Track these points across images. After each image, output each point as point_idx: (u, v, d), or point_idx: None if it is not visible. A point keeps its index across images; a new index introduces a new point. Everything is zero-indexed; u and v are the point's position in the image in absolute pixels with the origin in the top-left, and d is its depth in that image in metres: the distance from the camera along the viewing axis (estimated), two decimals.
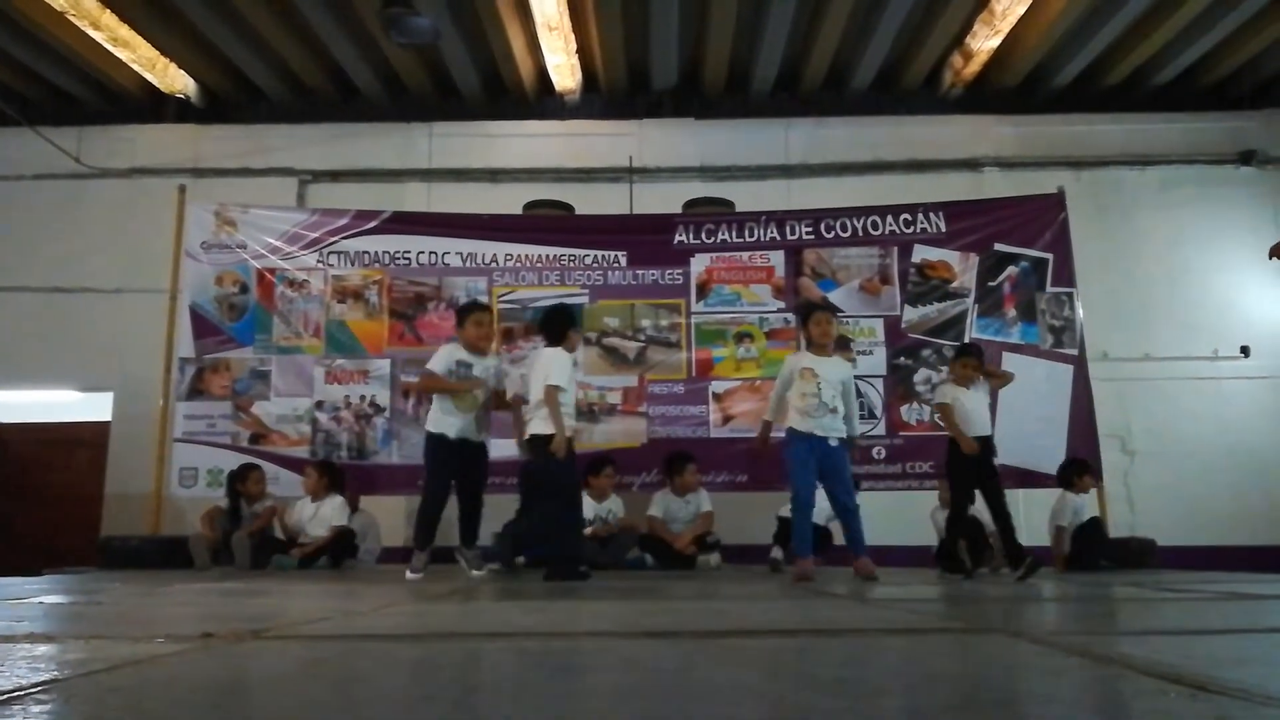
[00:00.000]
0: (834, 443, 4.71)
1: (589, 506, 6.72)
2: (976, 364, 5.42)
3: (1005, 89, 9.26)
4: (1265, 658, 1.80)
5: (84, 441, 8.71)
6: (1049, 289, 7.07)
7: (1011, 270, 7.09)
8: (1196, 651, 1.88)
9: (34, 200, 9.05)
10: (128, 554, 6.58)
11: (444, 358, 5.22)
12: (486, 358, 5.34)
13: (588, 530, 6.60)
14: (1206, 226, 8.97)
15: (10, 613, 2.76)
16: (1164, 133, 9.20)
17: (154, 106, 9.39)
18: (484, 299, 7.05)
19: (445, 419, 5.14)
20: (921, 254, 7.15)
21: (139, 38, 8.45)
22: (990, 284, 7.08)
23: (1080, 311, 7.03)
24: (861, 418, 6.89)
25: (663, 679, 1.49)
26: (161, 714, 1.23)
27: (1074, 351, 6.95)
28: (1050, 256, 7.12)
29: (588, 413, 7.10)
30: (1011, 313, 7.05)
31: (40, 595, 3.58)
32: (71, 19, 7.90)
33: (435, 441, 5.15)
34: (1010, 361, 6.71)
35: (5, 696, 1.28)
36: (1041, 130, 9.23)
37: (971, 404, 5.29)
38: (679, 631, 2.19)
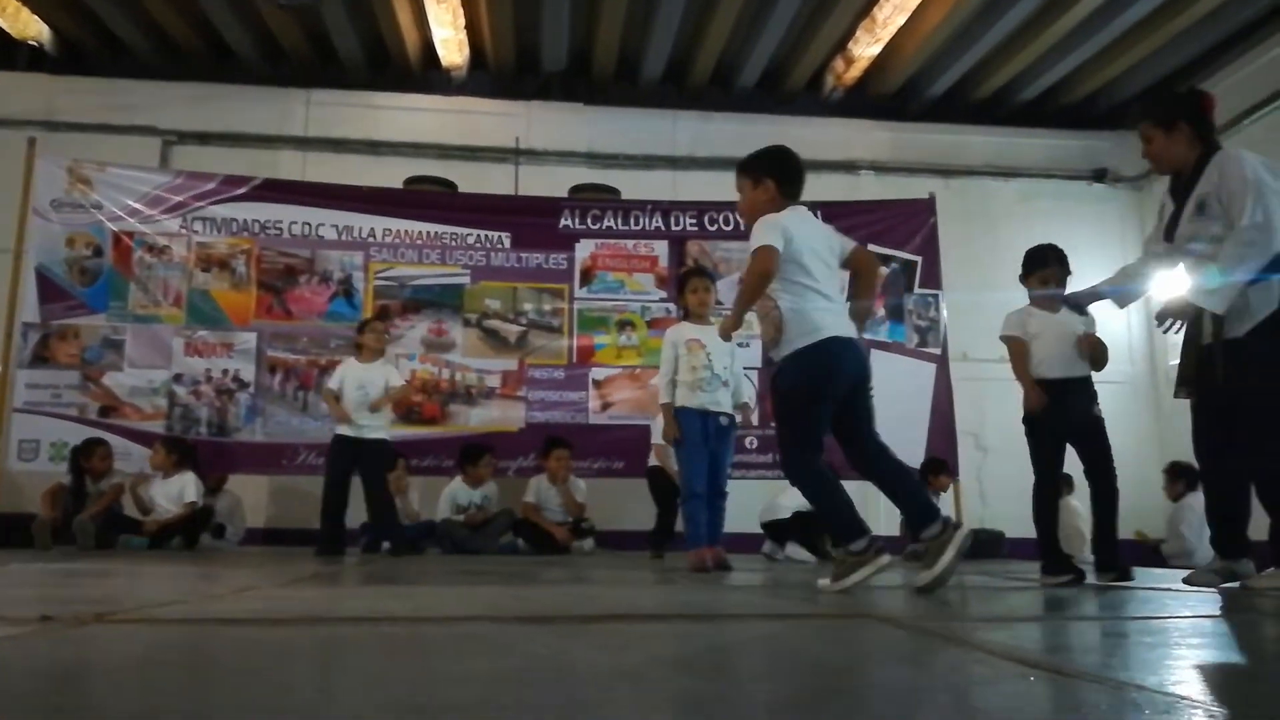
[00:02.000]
0: (725, 421, 4.51)
1: (463, 492, 6.64)
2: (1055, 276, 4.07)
3: (883, 96, 9.57)
4: (1107, 644, 1.92)
5: None
6: (916, 290, 7.36)
7: (883, 271, 7.34)
8: (1049, 638, 1.98)
9: None
10: None
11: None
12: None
13: (461, 515, 6.53)
14: (1062, 237, 9.21)
15: None
16: (1026, 147, 9.69)
17: (3, 52, 8.69)
18: (359, 275, 6.88)
19: None
20: None
21: None
22: None
23: (945, 313, 7.35)
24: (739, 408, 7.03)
25: (537, 664, 1.47)
26: None
27: (937, 351, 7.28)
28: (919, 259, 7.42)
29: (465, 395, 7.00)
30: (880, 312, 7.30)
31: None
32: None
33: None
34: (877, 359, 6.94)
35: None
36: (915, 138, 9.58)
37: (1052, 334, 3.94)
38: (554, 616, 2.17)
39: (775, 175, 3.41)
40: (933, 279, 7.39)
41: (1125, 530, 4.23)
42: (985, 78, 9.21)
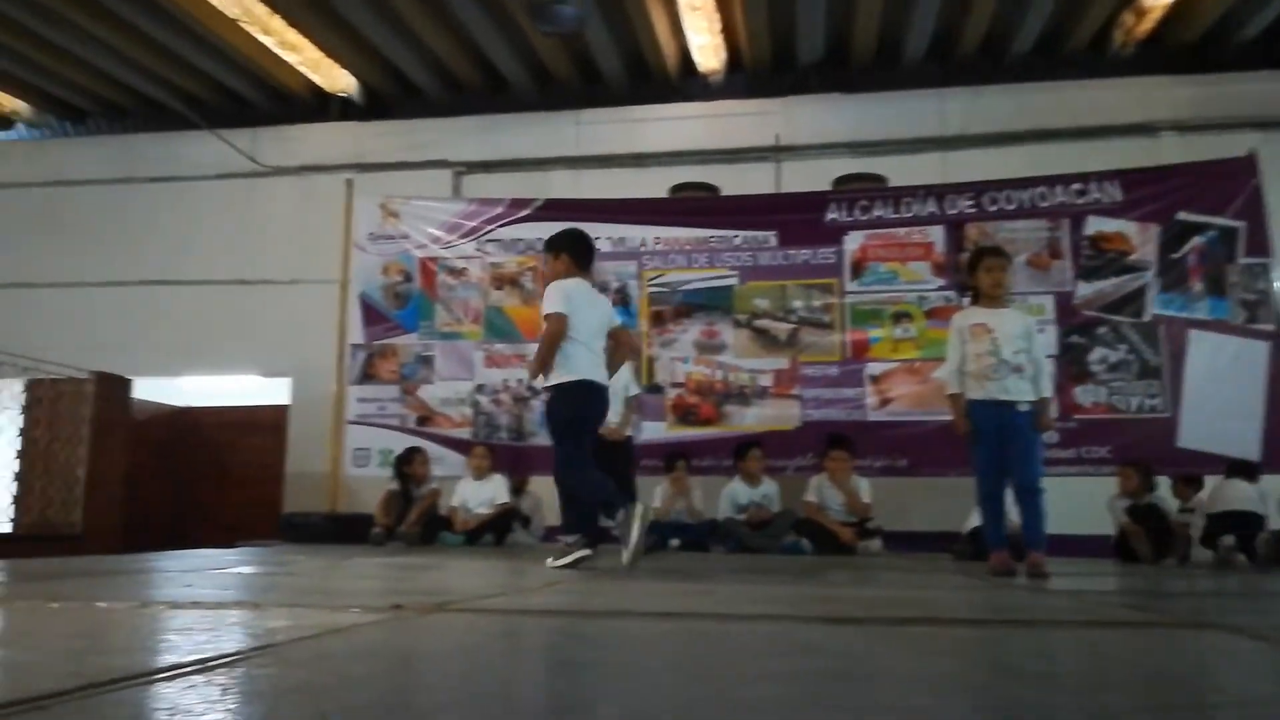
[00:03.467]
0: (1024, 407, 4.04)
1: (743, 491, 6.69)
2: None
3: (1182, 46, 8.57)
4: None
5: (266, 424, 9.30)
6: (1241, 260, 6.51)
7: (1197, 241, 6.58)
8: None
9: (216, 199, 9.70)
10: (308, 530, 6.99)
11: None
12: None
13: (742, 514, 6.59)
14: None
15: (214, 582, 2.97)
16: None
17: (320, 106, 9.89)
18: (634, 283, 7.20)
19: None
20: (1095, 225, 6.72)
21: (305, 40, 8.91)
22: (1173, 256, 6.58)
23: (1277, 284, 6.45)
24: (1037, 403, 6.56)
25: (849, 665, 1.44)
26: (367, 678, 1.28)
27: (1270, 327, 6.39)
28: (1241, 225, 6.56)
29: (739, 395, 7.07)
30: (1198, 286, 6.54)
31: (235, 567, 3.84)
32: (244, 25, 8.40)
33: None
34: (1197, 339, 6.24)
35: (229, 659, 1.36)
36: (1224, 89, 8.48)
37: None
38: (858, 618, 2.13)
39: (570, 251, 4.23)
40: (1260, 246, 6.50)
41: None
42: None
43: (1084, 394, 6.54)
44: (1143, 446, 6.22)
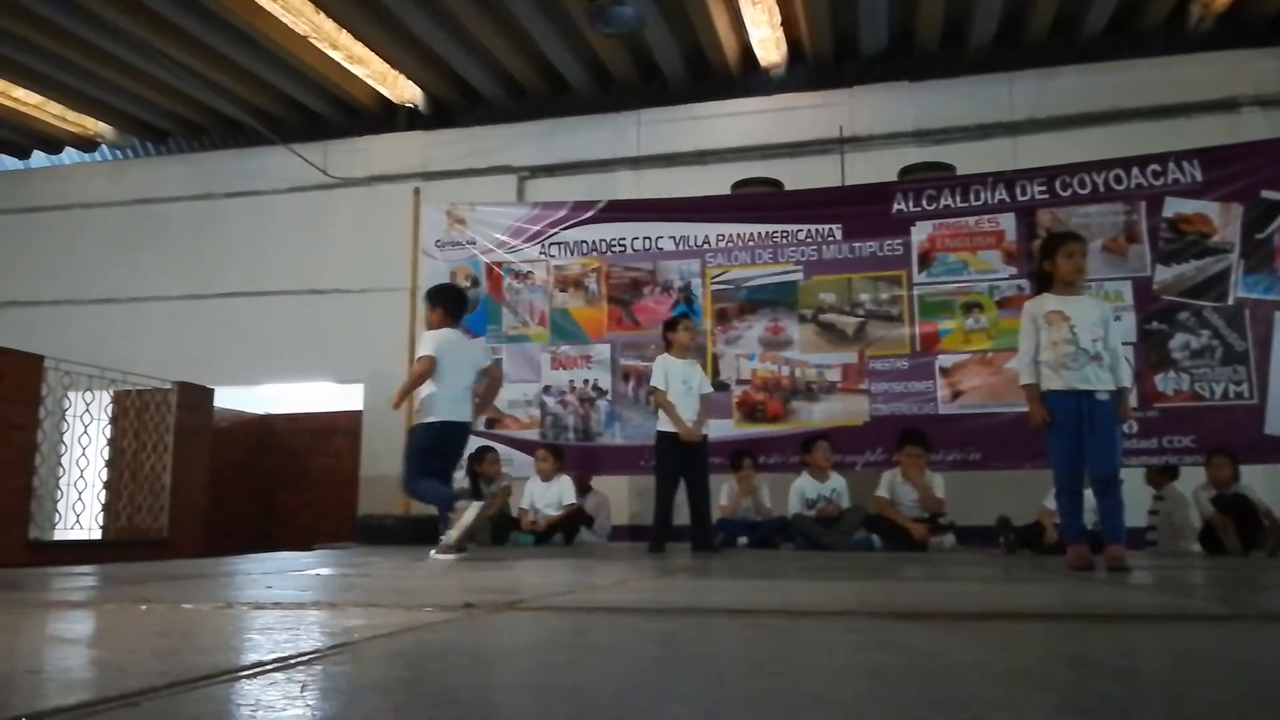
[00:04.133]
0: (1104, 396, 3.92)
1: (811, 486, 6.64)
2: None
3: (1265, 18, 8.23)
4: None
5: (340, 429, 9.54)
6: None
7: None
8: None
9: (288, 210, 9.98)
10: (382, 531, 7.15)
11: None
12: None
13: (812, 510, 6.53)
14: None
15: (294, 583, 3.06)
16: None
17: (386, 117, 10.10)
18: (697, 281, 7.19)
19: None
20: (1174, 207, 6.48)
21: (371, 54, 9.11)
22: (1258, 236, 6.31)
23: None
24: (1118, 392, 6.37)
25: (922, 661, 1.42)
26: (443, 676, 1.30)
27: None
28: None
29: (806, 391, 7.00)
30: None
31: (313, 569, 3.94)
32: (313, 41, 8.63)
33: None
34: None
35: (308, 657, 1.40)
36: None
37: None
38: (930, 613, 2.10)
39: (443, 305, 5.22)
40: None
41: None
42: None
43: (1165, 382, 6.31)
44: (1228, 435, 5.99)
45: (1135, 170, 6.60)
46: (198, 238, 10.16)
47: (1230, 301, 6.25)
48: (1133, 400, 6.24)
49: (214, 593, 2.64)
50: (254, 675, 1.24)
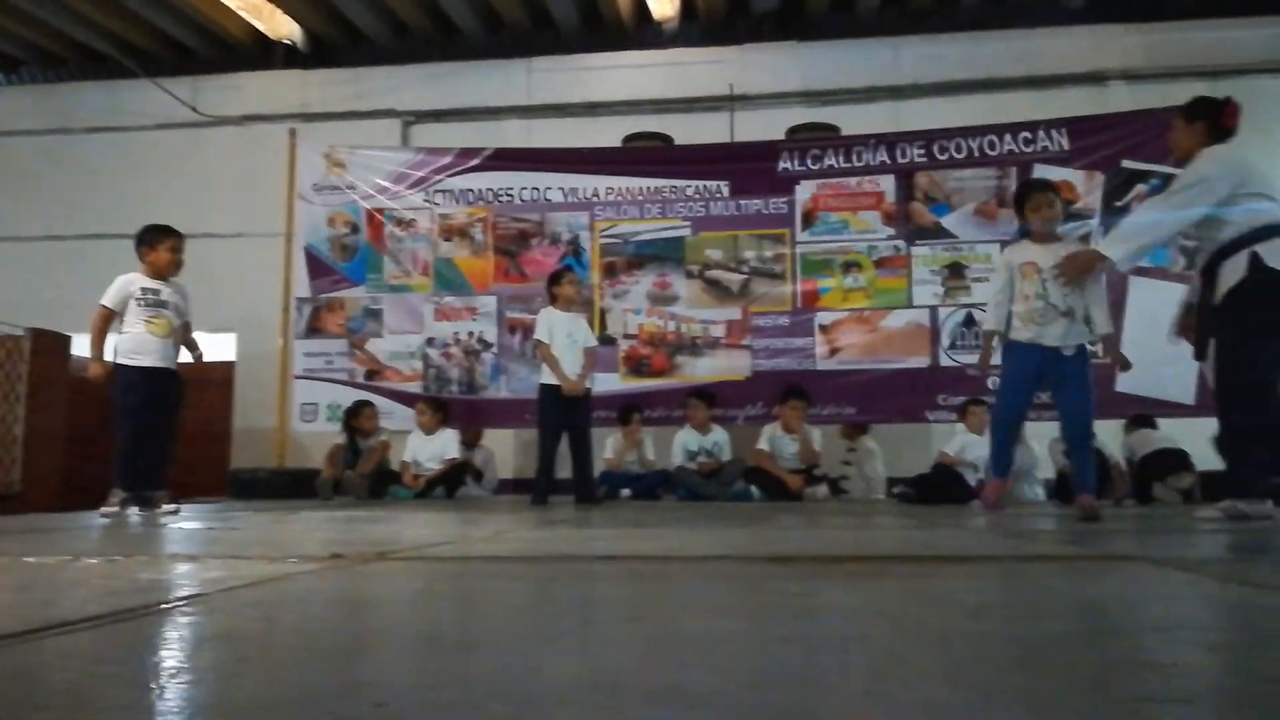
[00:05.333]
0: (1069, 353, 3.95)
1: (693, 439, 6.74)
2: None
3: None
4: None
5: (212, 380, 9.11)
6: None
7: (1140, 189, 6.65)
8: None
9: (156, 149, 9.41)
10: (255, 485, 6.92)
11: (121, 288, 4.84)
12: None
13: (694, 463, 6.64)
14: None
15: (154, 537, 2.92)
16: None
17: (263, 54, 9.60)
18: (585, 235, 7.10)
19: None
20: (1042, 174, 6.77)
21: None
22: (1117, 204, 6.66)
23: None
24: (977, 347, 6.66)
25: (788, 602, 1.45)
26: (299, 625, 1.26)
27: None
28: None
29: (691, 346, 7.07)
30: None
31: (179, 522, 3.78)
32: None
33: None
34: (1137, 285, 6.35)
35: (157, 608, 1.33)
36: (1175, 38, 8.56)
37: None
38: (798, 557, 2.15)
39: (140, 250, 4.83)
40: None
41: None
42: None
43: None
44: None
45: (1008, 137, 6.86)
46: (55, 175, 9.49)
47: None
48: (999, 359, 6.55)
49: (64, 546, 2.49)
50: (94, 628, 1.17)
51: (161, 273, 4.85)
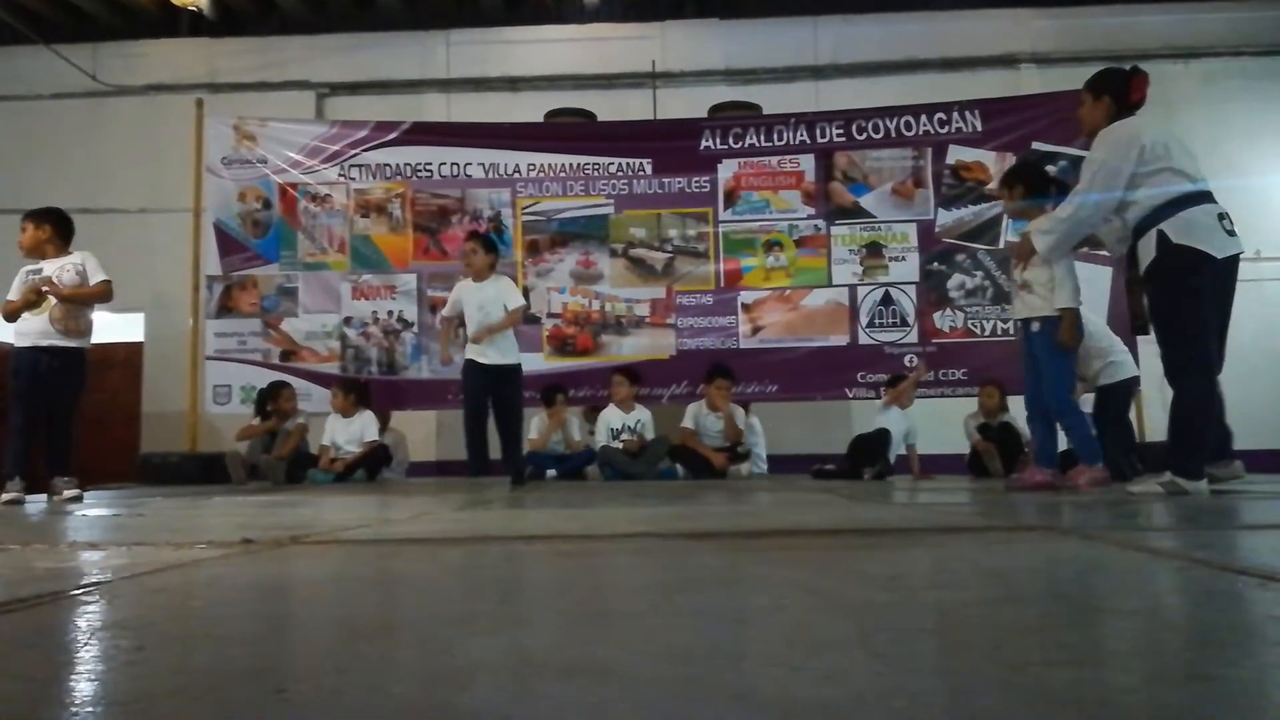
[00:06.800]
0: (1035, 326, 4.07)
1: (616, 417, 6.75)
2: None
3: None
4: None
5: (119, 362, 8.79)
6: None
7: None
8: (1251, 545, 1.83)
9: (54, 120, 8.98)
10: (166, 470, 6.70)
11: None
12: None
13: (619, 442, 6.65)
14: (1250, 122, 8.64)
15: (57, 525, 2.80)
16: (1209, 24, 8.80)
17: (167, 21, 9.21)
18: (508, 211, 7.01)
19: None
20: (956, 155, 6.93)
21: None
22: None
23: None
24: (894, 325, 6.80)
25: (708, 575, 1.47)
26: (204, 612, 1.22)
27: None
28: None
29: (615, 325, 7.06)
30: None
31: (83, 510, 3.63)
32: None
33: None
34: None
35: (52, 597, 1.27)
36: (1082, 23, 8.84)
37: None
38: (719, 533, 2.17)
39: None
40: None
41: None
42: None
43: (943, 319, 6.82)
44: (997, 368, 6.53)
45: (924, 118, 6.99)
46: None
47: (1001, 245, 6.77)
48: (914, 336, 6.71)
49: None
50: None
51: (31, 253, 4.76)
